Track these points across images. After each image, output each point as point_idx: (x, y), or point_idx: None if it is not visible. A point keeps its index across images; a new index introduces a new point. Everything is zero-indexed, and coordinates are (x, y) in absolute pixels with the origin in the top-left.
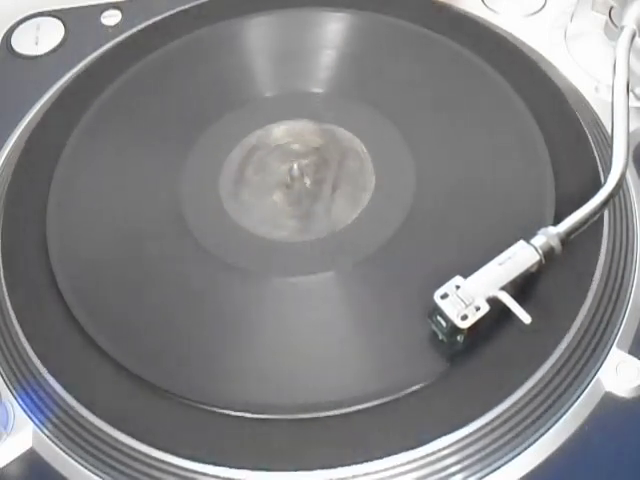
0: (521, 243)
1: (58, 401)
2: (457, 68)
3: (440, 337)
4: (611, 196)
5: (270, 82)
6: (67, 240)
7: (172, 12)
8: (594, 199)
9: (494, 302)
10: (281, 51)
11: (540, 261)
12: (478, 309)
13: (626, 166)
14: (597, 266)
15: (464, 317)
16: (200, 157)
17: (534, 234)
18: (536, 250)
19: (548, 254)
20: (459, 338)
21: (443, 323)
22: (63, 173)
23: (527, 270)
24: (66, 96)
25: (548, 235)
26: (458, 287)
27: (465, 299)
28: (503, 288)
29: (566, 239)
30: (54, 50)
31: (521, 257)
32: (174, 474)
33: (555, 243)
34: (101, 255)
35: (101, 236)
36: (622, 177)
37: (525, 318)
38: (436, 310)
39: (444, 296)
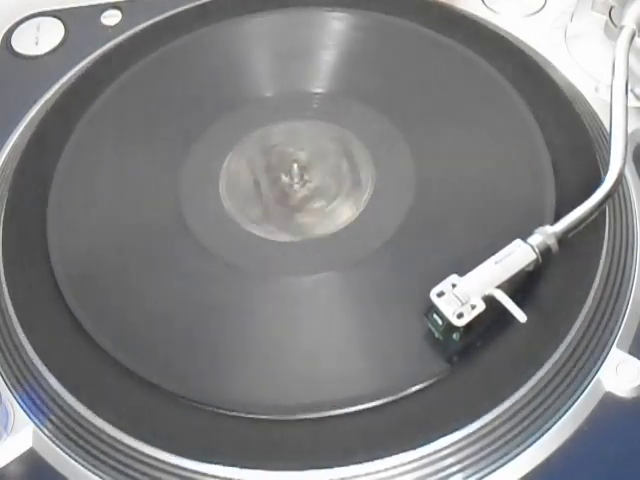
0: (517, 242)
1: (58, 401)
2: (457, 68)
3: (436, 335)
4: (608, 195)
5: (270, 82)
6: (67, 240)
7: (172, 12)
8: (591, 198)
9: (491, 301)
10: (281, 51)
11: (537, 260)
12: (474, 307)
13: (624, 165)
14: (597, 266)
15: (460, 315)
16: (200, 157)
17: (532, 233)
18: (532, 249)
19: (545, 253)
20: (455, 336)
21: (439, 321)
22: (63, 173)
23: (524, 269)
24: (66, 96)
25: (545, 234)
26: (454, 285)
27: (461, 297)
28: (500, 287)
29: (563, 238)
30: (54, 50)
31: (517, 256)
32: (174, 474)
33: (552, 242)
34: (101, 255)
35: (101, 236)
36: (620, 176)
37: (521, 317)
38: (432, 308)
39: (440, 294)
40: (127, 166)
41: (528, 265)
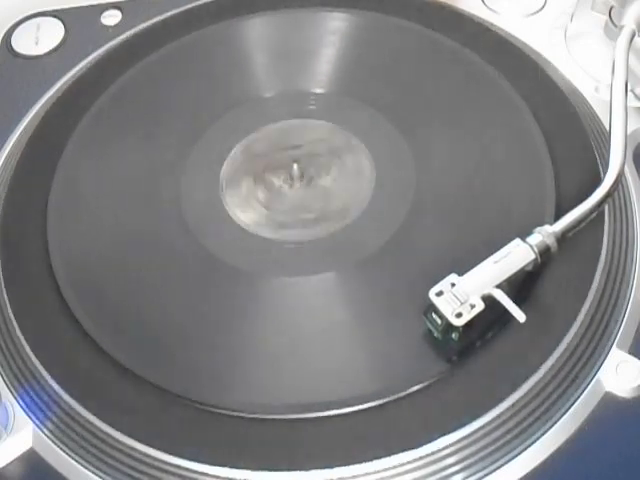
0: (517, 241)
1: (58, 401)
2: (457, 68)
3: (435, 334)
4: (608, 195)
5: (270, 82)
6: (67, 240)
7: (172, 12)
8: (591, 198)
9: (490, 300)
10: (281, 51)
11: (536, 259)
12: (473, 307)
13: (623, 165)
14: (597, 266)
15: (459, 315)
16: (200, 157)
17: (531, 233)
18: (531, 248)
19: (544, 253)
20: (454, 336)
21: (438, 320)
22: (63, 173)
23: (523, 269)
24: (66, 96)
25: (544, 234)
26: (453, 285)
27: (460, 297)
28: (499, 286)
29: (562, 238)
30: (54, 50)
31: (516, 255)
32: (174, 474)
33: (551, 242)
34: (101, 255)
35: (101, 236)
36: (619, 176)
37: (520, 316)
38: (431, 307)
39: (439, 293)
40: (127, 166)
41: (527, 265)
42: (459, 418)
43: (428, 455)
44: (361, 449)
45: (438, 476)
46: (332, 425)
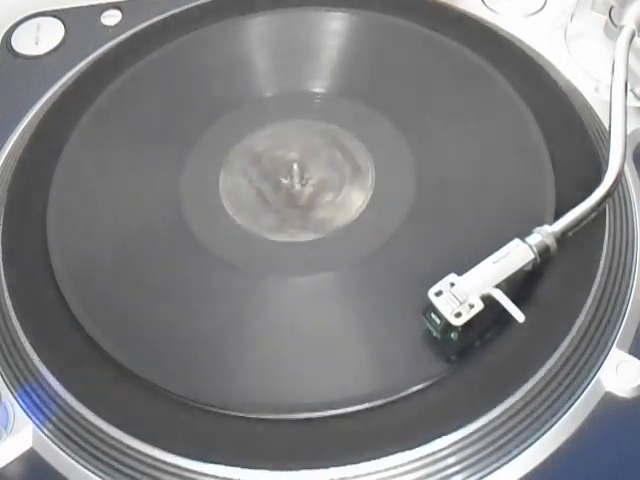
0: (516, 241)
1: (58, 401)
2: (457, 68)
3: (434, 334)
4: (607, 195)
5: (270, 82)
6: (67, 240)
7: (172, 12)
8: (590, 198)
9: (490, 300)
10: (281, 51)
11: (535, 259)
12: (472, 307)
13: (623, 165)
14: (597, 266)
15: (458, 314)
16: (200, 157)
17: (531, 233)
18: (531, 248)
19: (543, 253)
20: (453, 336)
21: (437, 320)
22: (63, 173)
23: (522, 268)
24: (66, 96)
25: (543, 234)
26: (452, 284)
27: (459, 296)
28: (498, 286)
29: (562, 238)
30: (54, 50)
31: (516, 255)
32: (174, 474)
33: (550, 242)
34: (101, 255)
35: (101, 236)
36: (619, 176)
37: (519, 316)
38: (430, 307)
39: (438, 293)
40: (127, 166)
41: (526, 265)
42: (459, 418)
43: (428, 455)
44: (361, 449)
45: (438, 476)
46: (332, 425)
